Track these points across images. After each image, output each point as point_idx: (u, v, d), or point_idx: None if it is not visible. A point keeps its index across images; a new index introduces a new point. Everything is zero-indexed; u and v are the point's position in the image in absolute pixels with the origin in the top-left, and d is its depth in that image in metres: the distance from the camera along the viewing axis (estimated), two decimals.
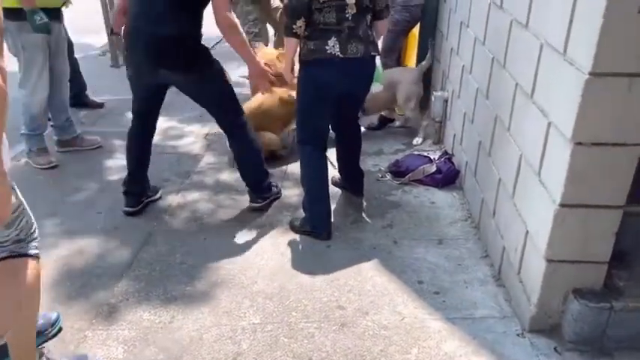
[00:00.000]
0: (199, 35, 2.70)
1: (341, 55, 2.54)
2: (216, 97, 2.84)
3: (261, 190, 3.08)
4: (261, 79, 2.89)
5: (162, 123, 4.09)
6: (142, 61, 2.70)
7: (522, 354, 2.04)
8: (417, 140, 3.98)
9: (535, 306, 2.07)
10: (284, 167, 3.66)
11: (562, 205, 1.88)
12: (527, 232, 2.15)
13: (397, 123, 4.29)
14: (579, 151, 1.79)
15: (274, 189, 3.17)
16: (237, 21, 2.65)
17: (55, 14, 3.39)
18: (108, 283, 2.50)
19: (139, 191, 3.07)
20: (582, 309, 1.96)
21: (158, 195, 3.21)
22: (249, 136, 2.95)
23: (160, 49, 2.61)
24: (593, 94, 1.71)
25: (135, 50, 2.72)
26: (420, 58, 4.23)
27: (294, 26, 2.55)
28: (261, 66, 2.87)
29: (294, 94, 2.96)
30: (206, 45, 2.74)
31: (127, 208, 3.03)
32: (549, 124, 1.96)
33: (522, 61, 2.26)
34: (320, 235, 2.81)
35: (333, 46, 2.54)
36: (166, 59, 2.63)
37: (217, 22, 2.58)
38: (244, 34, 2.76)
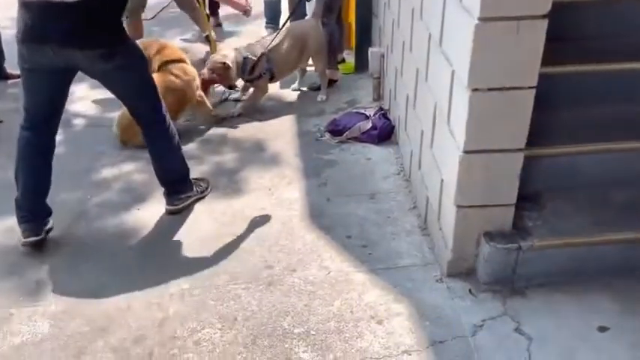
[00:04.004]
0: (120, 4, 2.28)
1: None
2: (138, 87, 2.49)
3: (181, 191, 2.76)
4: None
5: (97, 94, 4.05)
6: (42, 39, 2.19)
7: (439, 298, 2.11)
8: (322, 97, 4.00)
9: (451, 251, 2.13)
10: (224, 131, 3.64)
11: (466, 152, 1.92)
12: (442, 180, 2.20)
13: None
14: (477, 97, 1.82)
15: (197, 188, 2.83)
16: None
17: None
18: (38, 259, 2.49)
19: (44, 215, 2.53)
20: (492, 251, 2.02)
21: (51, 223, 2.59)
22: (171, 131, 2.62)
23: (67, 22, 2.16)
24: (484, 39, 1.72)
25: (32, 25, 2.19)
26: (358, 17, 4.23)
27: None
28: None
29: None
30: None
31: (29, 239, 2.45)
32: (453, 72, 1.98)
33: (433, 11, 2.25)
34: None
35: None
36: (76, 35, 2.18)
37: None
38: None
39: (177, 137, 2.69)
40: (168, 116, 2.63)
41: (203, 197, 2.86)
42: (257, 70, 3.72)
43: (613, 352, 1.82)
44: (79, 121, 3.84)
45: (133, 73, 2.46)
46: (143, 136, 2.70)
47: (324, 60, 4.02)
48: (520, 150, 1.91)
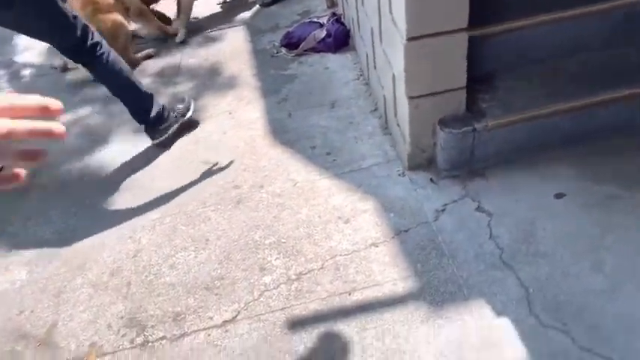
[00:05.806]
0: None
1: None
2: (53, 26, 2.27)
3: (156, 122, 2.67)
4: None
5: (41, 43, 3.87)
6: None
7: (402, 191, 2.14)
8: (180, 36, 3.77)
9: (409, 144, 2.14)
10: (176, 60, 3.54)
11: (409, 39, 1.87)
12: (393, 75, 2.17)
13: None
14: None
15: (175, 113, 2.75)
16: None
17: None
18: (4, 211, 2.48)
19: None
20: (448, 137, 2.03)
21: None
22: (111, 57, 2.47)
23: None
24: None
25: None
26: None
27: None
28: None
29: None
30: None
31: None
32: None
33: None
34: None
35: None
36: None
37: None
38: None
39: (123, 64, 2.54)
40: (103, 42, 2.46)
41: (186, 118, 2.78)
42: None
43: (569, 215, 1.88)
44: (27, 71, 3.71)
45: (40, 15, 2.21)
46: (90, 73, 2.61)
47: None
48: (463, 30, 1.87)
